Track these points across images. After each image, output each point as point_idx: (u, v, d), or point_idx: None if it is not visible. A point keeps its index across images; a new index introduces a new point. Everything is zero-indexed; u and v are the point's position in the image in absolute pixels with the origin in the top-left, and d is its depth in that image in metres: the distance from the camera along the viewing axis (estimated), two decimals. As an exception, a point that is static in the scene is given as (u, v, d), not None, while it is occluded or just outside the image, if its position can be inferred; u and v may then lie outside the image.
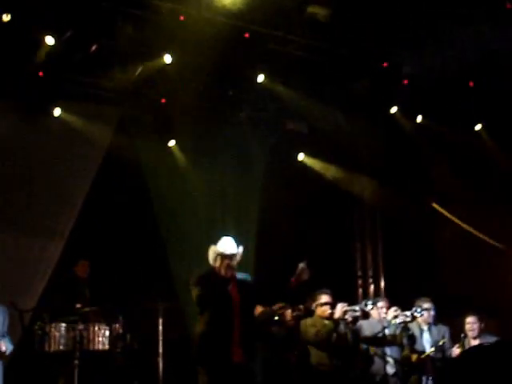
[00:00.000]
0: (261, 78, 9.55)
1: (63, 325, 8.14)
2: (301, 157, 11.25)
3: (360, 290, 11.61)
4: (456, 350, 8.21)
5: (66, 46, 8.25)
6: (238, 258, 6.40)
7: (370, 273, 11.65)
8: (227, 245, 6.40)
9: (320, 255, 10.04)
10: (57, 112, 9.27)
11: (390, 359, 8.09)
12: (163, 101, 9.71)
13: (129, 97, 9.51)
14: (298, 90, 9.81)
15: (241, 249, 6.43)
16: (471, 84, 9.58)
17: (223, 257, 6.31)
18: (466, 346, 8.05)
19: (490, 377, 5.02)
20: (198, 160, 10.47)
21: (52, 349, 8.06)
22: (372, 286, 11.60)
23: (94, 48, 8.30)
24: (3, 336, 6.33)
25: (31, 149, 9.32)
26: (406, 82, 9.65)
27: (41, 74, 8.48)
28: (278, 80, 9.67)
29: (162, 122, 9.94)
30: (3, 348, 6.12)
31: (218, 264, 6.32)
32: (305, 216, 11.07)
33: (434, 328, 8.49)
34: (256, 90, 9.83)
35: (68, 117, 9.42)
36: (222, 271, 6.29)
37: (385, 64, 9.51)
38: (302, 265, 6.45)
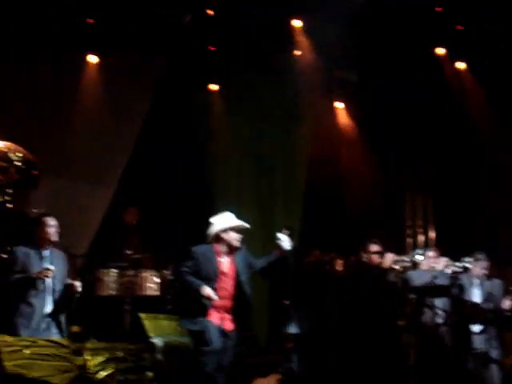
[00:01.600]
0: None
1: (114, 270, 8.28)
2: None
3: (410, 240, 11.50)
4: (507, 303, 8.09)
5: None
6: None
7: (420, 222, 11.50)
8: (235, 219, 6.49)
9: (370, 206, 9.98)
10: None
11: (438, 310, 8.03)
12: (212, 48, 9.62)
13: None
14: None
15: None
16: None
17: (234, 230, 6.44)
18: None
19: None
20: (246, 109, 10.41)
21: (103, 293, 8.22)
22: (422, 237, 11.47)
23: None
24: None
25: (78, 96, 9.36)
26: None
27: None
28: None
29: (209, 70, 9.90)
30: (79, 287, 6.30)
31: (226, 237, 6.42)
32: (352, 167, 10.94)
33: (486, 282, 8.34)
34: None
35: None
36: (234, 243, 6.42)
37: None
38: (280, 235, 6.56)
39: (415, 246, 11.22)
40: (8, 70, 8.77)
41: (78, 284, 6.32)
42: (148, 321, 7.50)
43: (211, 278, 6.33)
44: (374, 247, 8.02)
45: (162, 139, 9.98)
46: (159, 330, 7.40)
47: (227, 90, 10.39)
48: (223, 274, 6.41)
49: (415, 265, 8.50)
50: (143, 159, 9.86)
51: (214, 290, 6.28)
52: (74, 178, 9.35)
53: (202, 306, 6.27)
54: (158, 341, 7.18)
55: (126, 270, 8.33)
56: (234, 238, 6.45)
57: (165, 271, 8.49)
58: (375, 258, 7.92)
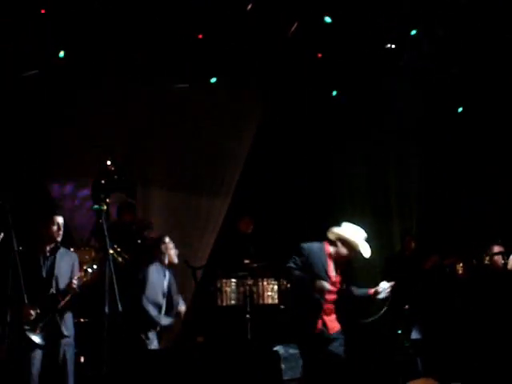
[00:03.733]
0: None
1: (234, 280, 8.42)
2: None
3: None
4: None
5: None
6: None
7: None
8: (364, 243, 6.27)
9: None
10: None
11: None
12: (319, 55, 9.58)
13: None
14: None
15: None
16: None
17: (353, 249, 6.25)
18: None
19: None
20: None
21: (224, 303, 8.37)
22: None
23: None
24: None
25: (195, 110, 9.55)
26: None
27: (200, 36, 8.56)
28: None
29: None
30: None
31: (343, 246, 6.25)
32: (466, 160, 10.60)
33: None
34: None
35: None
36: (343, 256, 6.23)
37: None
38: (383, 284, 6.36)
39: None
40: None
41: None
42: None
43: (321, 277, 6.17)
44: (497, 248, 7.80)
45: (274, 148, 10.05)
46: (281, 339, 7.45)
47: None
48: (329, 276, 6.26)
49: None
50: (256, 168, 9.95)
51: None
52: (189, 192, 9.57)
53: (311, 308, 6.17)
54: (280, 349, 7.26)
55: (245, 279, 8.44)
56: (345, 252, 6.26)
57: (282, 279, 8.56)
58: (498, 260, 7.70)
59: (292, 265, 6.25)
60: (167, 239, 7.31)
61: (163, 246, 7.25)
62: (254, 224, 9.39)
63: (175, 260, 7.31)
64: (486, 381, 7.15)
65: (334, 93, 10.00)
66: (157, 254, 7.25)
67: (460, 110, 10.21)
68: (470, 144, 10.07)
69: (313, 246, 6.34)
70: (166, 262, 7.25)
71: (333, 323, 6.27)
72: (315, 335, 6.15)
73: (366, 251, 6.25)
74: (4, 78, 8.04)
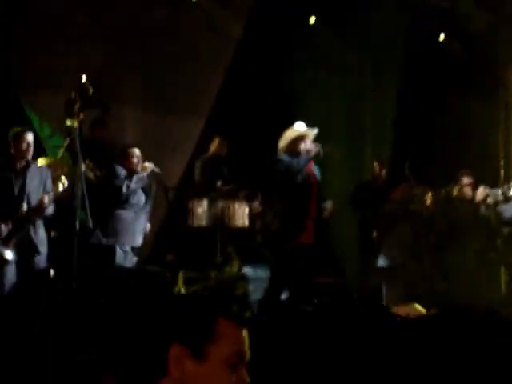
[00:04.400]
0: None
1: (205, 201, 8.44)
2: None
3: (502, 172, 11.19)
4: None
5: None
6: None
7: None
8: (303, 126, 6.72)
9: (460, 136, 9.74)
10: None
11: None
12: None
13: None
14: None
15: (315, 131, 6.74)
16: None
17: (299, 137, 6.66)
18: None
19: None
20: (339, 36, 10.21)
21: (195, 224, 8.42)
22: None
23: None
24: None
25: (180, 26, 9.37)
26: None
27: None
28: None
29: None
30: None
31: (296, 145, 6.63)
32: (444, 99, 10.61)
33: None
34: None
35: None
36: (303, 149, 6.63)
37: None
38: None
39: (508, 178, 10.93)
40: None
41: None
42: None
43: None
44: (466, 179, 7.89)
45: (254, 69, 9.93)
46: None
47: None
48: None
49: (508, 198, 8.34)
50: (234, 88, 9.85)
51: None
52: (164, 110, 9.48)
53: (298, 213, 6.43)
54: (249, 271, 7.35)
55: (217, 201, 8.47)
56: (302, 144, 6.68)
57: (254, 202, 8.59)
58: (467, 192, 7.80)
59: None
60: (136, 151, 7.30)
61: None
62: (229, 146, 9.36)
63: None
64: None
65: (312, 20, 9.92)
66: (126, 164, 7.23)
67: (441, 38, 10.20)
68: (449, 73, 10.06)
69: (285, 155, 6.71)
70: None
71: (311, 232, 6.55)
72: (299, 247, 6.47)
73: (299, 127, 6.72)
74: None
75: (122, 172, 7.18)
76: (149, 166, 7.27)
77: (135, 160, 7.24)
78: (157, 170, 7.34)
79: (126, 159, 7.26)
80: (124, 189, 7.08)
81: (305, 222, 6.57)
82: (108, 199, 7.15)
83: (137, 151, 7.30)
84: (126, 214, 7.24)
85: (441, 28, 10.27)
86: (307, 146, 6.62)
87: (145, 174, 7.26)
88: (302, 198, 6.58)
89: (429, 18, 9.97)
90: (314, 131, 6.77)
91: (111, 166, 7.20)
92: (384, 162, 9.38)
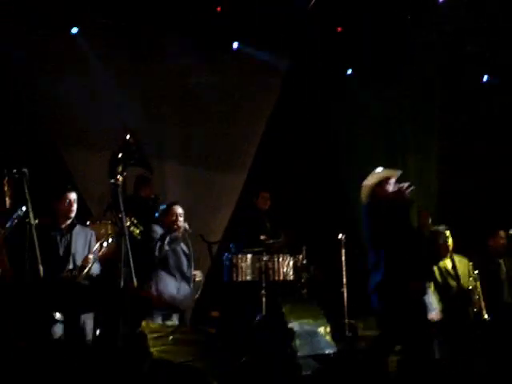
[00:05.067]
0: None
1: (249, 256, 8.39)
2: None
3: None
4: None
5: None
6: None
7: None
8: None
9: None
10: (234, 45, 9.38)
11: None
12: (339, 29, 9.48)
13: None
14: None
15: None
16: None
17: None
18: None
19: None
20: (376, 88, 10.24)
21: (239, 279, 8.36)
22: None
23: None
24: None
25: (210, 85, 9.49)
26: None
27: (219, 9, 8.50)
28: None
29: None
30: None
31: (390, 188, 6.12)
32: (489, 142, 10.49)
33: None
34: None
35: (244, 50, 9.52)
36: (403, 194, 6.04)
37: None
38: None
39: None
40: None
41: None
42: (286, 306, 7.57)
43: None
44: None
45: (290, 123, 9.99)
46: (297, 315, 7.44)
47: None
48: None
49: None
50: (273, 145, 9.90)
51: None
52: (205, 166, 9.53)
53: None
54: (295, 326, 7.24)
55: (261, 254, 8.41)
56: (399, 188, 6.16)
57: (298, 255, 8.53)
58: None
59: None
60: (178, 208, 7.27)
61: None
62: (271, 200, 9.34)
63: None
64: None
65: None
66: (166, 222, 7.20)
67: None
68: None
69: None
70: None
71: None
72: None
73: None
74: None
75: (158, 231, 7.13)
76: (181, 225, 7.19)
77: (175, 218, 7.19)
78: (189, 230, 7.23)
79: (166, 216, 7.24)
80: (156, 252, 7.03)
81: None
82: (144, 259, 7.05)
83: (179, 209, 7.27)
84: (169, 279, 7.17)
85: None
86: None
87: (178, 234, 7.16)
88: None
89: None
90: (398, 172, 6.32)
91: (149, 225, 7.16)
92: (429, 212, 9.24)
